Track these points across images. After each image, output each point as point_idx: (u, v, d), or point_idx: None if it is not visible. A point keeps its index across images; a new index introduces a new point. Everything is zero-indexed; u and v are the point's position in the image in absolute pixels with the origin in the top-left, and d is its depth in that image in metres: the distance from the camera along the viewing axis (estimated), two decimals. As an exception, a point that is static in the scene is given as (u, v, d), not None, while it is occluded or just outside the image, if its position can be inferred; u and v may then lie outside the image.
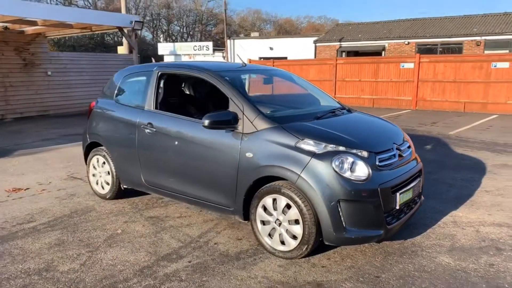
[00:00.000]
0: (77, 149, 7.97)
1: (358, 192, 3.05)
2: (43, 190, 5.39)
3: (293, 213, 3.21)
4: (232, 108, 3.63)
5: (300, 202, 3.15)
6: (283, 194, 3.25)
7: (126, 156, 4.49)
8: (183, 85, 5.17)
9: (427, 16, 27.04)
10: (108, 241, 3.78)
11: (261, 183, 3.44)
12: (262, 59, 30.99)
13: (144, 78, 4.53)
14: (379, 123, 4.04)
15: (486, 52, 21.83)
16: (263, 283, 3.00)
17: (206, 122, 3.50)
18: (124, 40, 18.33)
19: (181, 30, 67.71)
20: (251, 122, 3.49)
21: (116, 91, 4.78)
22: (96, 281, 3.08)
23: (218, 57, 36.01)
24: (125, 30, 10.85)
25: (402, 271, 3.14)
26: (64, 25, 10.99)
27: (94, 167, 4.98)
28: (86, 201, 4.90)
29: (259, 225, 3.47)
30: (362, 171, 3.11)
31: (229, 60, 34.63)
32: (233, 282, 3.02)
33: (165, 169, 4.11)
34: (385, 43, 25.81)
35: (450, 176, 5.85)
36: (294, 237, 3.26)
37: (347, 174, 3.08)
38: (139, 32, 10.98)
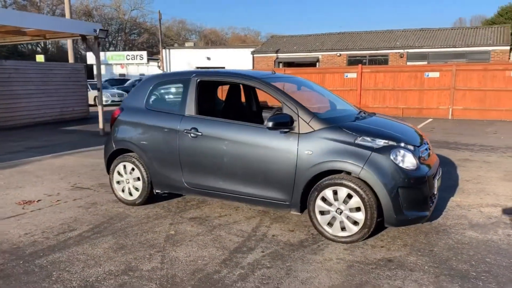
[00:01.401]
0: (60, 161, 7.72)
1: (412, 180, 3.61)
2: (58, 201, 5.25)
3: (355, 201, 3.68)
4: (286, 111, 4.01)
5: (361, 191, 3.63)
6: (344, 186, 3.70)
7: (164, 161, 4.62)
8: (216, 91, 5.46)
9: (350, 30, 29.31)
10: (169, 241, 3.93)
11: (318, 177, 3.86)
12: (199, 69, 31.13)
13: (180, 85, 4.72)
14: (402, 124, 4.67)
15: (408, 63, 24.29)
16: (341, 263, 3.41)
17: (270, 124, 3.85)
18: (69, 49, 17.52)
19: (103, 39, 65.18)
20: (307, 123, 3.91)
21: (146, 98, 4.88)
22: (189, 274, 3.26)
23: (153, 67, 35.44)
24: (88, 38, 10.56)
25: (447, 245, 3.75)
26: (17, 31, 10.39)
27: (119, 174, 5.00)
28: (114, 209, 4.91)
29: (318, 216, 3.88)
30: (411, 162, 3.68)
31: (165, 70, 34.27)
32: (315, 265, 3.39)
33: (212, 170, 4.34)
34: (318, 54, 27.50)
35: (429, 170, 6.72)
36: (355, 223, 3.72)
37: (403, 165, 3.63)
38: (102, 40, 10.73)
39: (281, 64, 28.67)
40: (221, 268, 3.36)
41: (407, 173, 3.61)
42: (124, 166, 4.95)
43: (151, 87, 4.90)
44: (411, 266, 3.34)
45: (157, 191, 4.90)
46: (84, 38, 10.50)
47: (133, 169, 4.89)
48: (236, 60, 31.46)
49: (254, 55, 29.49)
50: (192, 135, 4.41)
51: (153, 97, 4.91)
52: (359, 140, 3.74)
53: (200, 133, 4.37)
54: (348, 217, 3.75)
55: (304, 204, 3.98)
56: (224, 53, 32.90)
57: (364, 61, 25.97)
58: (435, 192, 3.93)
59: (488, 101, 14.26)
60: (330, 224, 3.85)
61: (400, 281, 3.09)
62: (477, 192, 5.44)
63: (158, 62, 35.49)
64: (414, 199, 3.65)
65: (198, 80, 4.60)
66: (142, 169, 4.79)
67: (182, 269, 3.36)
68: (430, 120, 14.45)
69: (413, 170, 3.65)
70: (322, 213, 3.87)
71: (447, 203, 4.99)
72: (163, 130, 4.61)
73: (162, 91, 4.93)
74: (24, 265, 3.45)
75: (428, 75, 15.04)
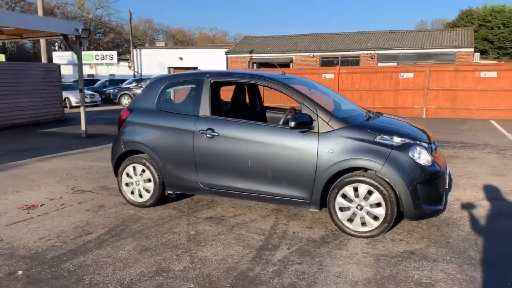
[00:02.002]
0: (50, 164, 7.52)
1: (428, 175, 3.80)
2: (63, 204, 5.12)
3: (375, 197, 3.83)
4: (305, 111, 4.11)
5: (382, 187, 3.79)
6: (365, 182, 3.84)
7: (177, 162, 4.62)
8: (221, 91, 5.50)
9: (322, 32, 29.89)
10: (192, 241, 3.94)
11: (337, 175, 3.99)
12: (172, 69, 30.87)
13: (193, 86, 4.73)
14: (409, 123, 4.86)
15: (379, 64, 25.03)
16: (368, 257, 3.55)
17: (293, 123, 3.94)
18: (42, 48, 16.93)
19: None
20: (327, 123, 4.03)
21: (157, 99, 4.85)
22: (224, 273, 3.30)
23: (123, 67, 34.72)
24: (70, 38, 10.27)
25: (460, 236, 3.96)
26: (-7, 30, 9.97)
27: (128, 176, 4.95)
28: (124, 211, 4.85)
29: (339, 212, 4.00)
30: (427, 158, 3.87)
31: (136, 70, 33.67)
32: (343, 260, 3.51)
33: (230, 170, 4.38)
34: (292, 55, 27.86)
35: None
36: (375, 218, 3.87)
37: (420, 162, 3.81)
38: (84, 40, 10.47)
39: (255, 65, 28.83)
40: (253, 266, 3.42)
41: (424, 169, 3.80)
42: (134, 168, 4.90)
43: (161, 88, 4.88)
44: (433, 257, 3.52)
45: (169, 192, 4.88)
46: (65, 37, 10.21)
47: (143, 171, 4.85)
48: (209, 60, 31.36)
49: (228, 56, 29.50)
50: (208, 135, 4.44)
51: (164, 98, 4.89)
52: (378, 138, 3.90)
53: (216, 134, 4.40)
54: (368, 213, 3.90)
55: (323, 201, 4.10)
56: (197, 53, 32.71)
57: (336, 62, 26.54)
58: (447, 187, 4.14)
59: (460, 100, 14.95)
60: (350, 220, 3.98)
61: (428, 272, 3.26)
62: (471, 186, 5.75)
63: (128, 63, 34.79)
64: (431, 194, 3.85)
65: (212, 81, 4.63)
66: (154, 170, 4.76)
67: (215, 268, 3.39)
68: (406, 119, 14.97)
69: (428, 166, 3.84)
70: (342, 209, 4.00)
71: (447, 197, 5.24)
72: (177, 131, 4.61)
73: (174, 92, 4.92)
74: (51, 270, 3.38)
75: (402, 76, 15.59)
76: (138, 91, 23.49)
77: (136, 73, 33.31)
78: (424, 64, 16.38)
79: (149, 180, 4.84)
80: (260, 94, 5.94)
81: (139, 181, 4.90)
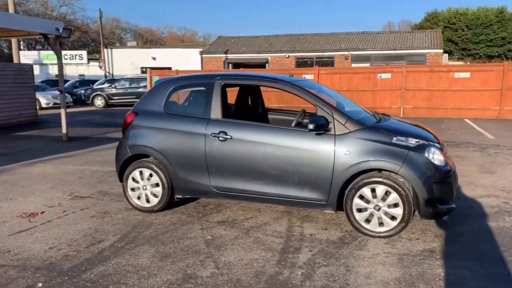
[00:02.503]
0: (38, 169, 7.28)
1: (442, 175, 3.91)
2: (65, 211, 4.93)
3: (393, 198, 3.91)
4: (320, 113, 4.14)
5: (400, 188, 3.87)
6: (383, 183, 3.91)
7: (188, 165, 4.55)
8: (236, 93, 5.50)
9: (296, 33, 30.18)
10: (211, 246, 3.89)
11: (353, 177, 4.04)
12: (145, 69, 30.30)
13: (203, 88, 4.67)
14: (417, 125, 4.96)
15: (353, 65, 25.52)
16: (391, 257, 3.61)
17: (312, 126, 3.96)
18: (14, 48, 16.22)
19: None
20: (343, 125, 4.07)
21: (164, 102, 4.75)
22: (252, 277, 3.28)
23: (94, 67, 33.77)
24: (49, 37, 9.89)
25: (471, 234, 4.10)
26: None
27: (135, 180, 4.82)
28: (131, 217, 4.73)
29: (356, 213, 4.05)
30: (440, 158, 3.98)
31: (107, 70, 32.86)
32: (368, 260, 3.56)
33: (243, 174, 4.35)
34: (268, 56, 27.97)
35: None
36: (393, 218, 3.95)
37: (435, 161, 3.92)
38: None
39: (230, 65, 28.76)
40: (281, 269, 3.41)
41: (439, 168, 3.91)
42: (141, 172, 4.79)
43: (169, 91, 4.78)
44: (453, 255, 3.63)
45: (178, 196, 4.80)
46: (45, 37, 9.82)
47: (151, 175, 4.74)
48: (183, 60, 30.98)
49: (203, 56, 29.29)
50: (220, 138, 4.39)
51: (172, 101, 4.79)
52: (394, 140, 3.97)
53: (229, 137, 4.36)
54: (386, 213, 3.96)
55: (339, 203, 4.14)
56: (171, 53, 32.27)
57: (310, 62, 26.85)
58: (456, 186, 4.27)
59: (435, 100, 15.46)
60: (367, 220, 4.04)
61: (452, 270, 3.36)
62: (467, 184, 5.96)
63: (99, 62, 33.88)
64: (445, 193, 3.96)
65: (223, 83, 4.59)
66: (162, 174, 4.66)
67: (242, 273, 3.36)
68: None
69: (442, 166, 3.95)
70: (359, 210, 4.05)
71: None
72: (187, 134, 4.54)
73: (184, 95, 4.84)
74: (72, 281, 3.25)
75: (380, 76, 15.96)
76: (113, 91, 22.94)
77: (107, 73, 32.49)
78: (400, 65, 16.83)
79: (157, 185, 4.73)
80: (262, 96, 5.93)
81: (146, 186, 4.79)
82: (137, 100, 22.55)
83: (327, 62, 26.77)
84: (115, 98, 23.05)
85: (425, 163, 3.88)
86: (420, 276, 3.25)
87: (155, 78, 19.67)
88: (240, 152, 4.34)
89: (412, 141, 3.99)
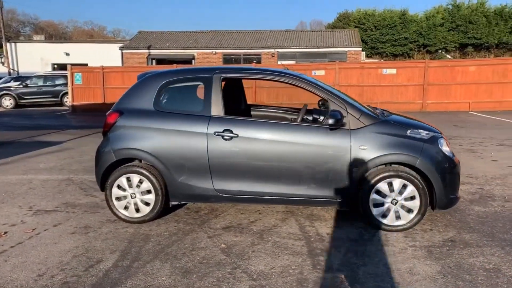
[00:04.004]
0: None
1: (452, 164, 4.00)
2: (34, 230, 4.18)
3: (410, 190, 3.90)
4: (333, 108, 3.99)
5: (416, 180, 3.88)
6: (400, 177, 3.89)
7: (187, 168, 4.11)
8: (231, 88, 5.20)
9: (222, 29, 29.94)
10: (232, 256, 3.54)
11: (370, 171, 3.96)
12: (56, 66, 27.85)
13: (199, 83, 4.25)
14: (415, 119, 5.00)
15: (279, 62, 25.98)
16: (419, 251, 3.58)
17: (331, 121, 3.79)
18: None
19: None
20: (358, 119, 3.96)
21: (154, 99, 4.23)
22: (298, 285, 3.03)
23: (-5, 63, 30.07)
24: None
25: (478, 221, 4.25)
26: None
27: (121, 188, 4.25)
28: (120, 230, 4.15)
29: (373, 209, 3.98)
30: (448, 149, 4.07)
31: (11, 67, 29.50)
32: (400, 256, 3.49)
33: (253, 174, 4.04)
34: (194, 52, 27.31)
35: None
36: (409, 211, 3.95)
37: (446, 152, 3.99)
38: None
39: (154, 61, 27.59)
40: (321, 274, 3.21)
41: (450, 158, 3.99)
42: (128, 179, 4.22)
43: (159, 86, 4.27)
44: (474, 243, 3.72)
45: (173, 203, 4.33)
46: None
47: (140, 181, 4.21)
48: (101, 56, 28.96)
49: (123, 51, 27.67)
50: (225, 137, 4.03)
51: (164, 97, 4.29)
52: (409, 133, 3.97)
53: (235, 135, 4.02)
54: (403, 206, 3.95)
55: (355, 199, 4.04)
56: (86, 49, 30.00)
57: (238, 59, 26.79)
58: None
59: (365, 95, 16.29)
60: (384, 215, 3.99)
61: (482, 257, 3.42)
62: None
63: (1, 58, 30.22)
64: (455, 182, 4.05)
65: (222, 77, 4.22)
66: (155, 180, 4.16)
67: (284, 282, 3.09)
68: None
69: (452, 156, 4.04)
70: (376, 205, 3.98)
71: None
72: (186, 133, 4.10)
73: (177, 90, 4.35)
74: (92, 314, 2.71)
75: (315, 73, 16.38)
76: (24, 90, 20.63)
77: (11, 70, 29.12)
78: (333, 62, 17.45)
79: (149, 192, 4.22)
80: (244, 91, 5.63)
81: (135, 194, 4.24)
82: (55, 99, 20.64)
83: (254, 59, 26.90)
84: (27, 97, 20.76)
85: (438, 154, 3.94)
86: (459, 267, 3.26)
87: (77, 75, 18.07)
88: (248, 151, 4.03)
89: (423, 133, 4.03)
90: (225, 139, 4.03)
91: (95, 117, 15.56)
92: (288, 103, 15.56)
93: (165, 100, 4.31)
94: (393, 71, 16.01)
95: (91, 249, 3.71)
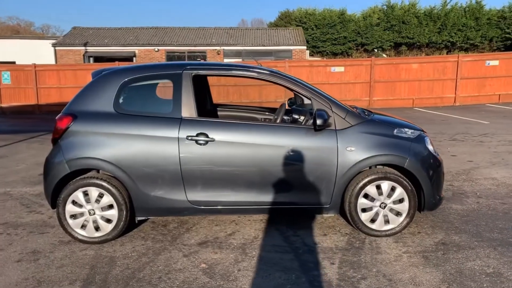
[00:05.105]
0: None
1: (438, 163, 3.85)
2: (-32, 259, 3.45)
3: (399, 193, 3.70)
4: (317, 107, 3.68)
5: (405, 182, 3.68)
6: (389, 179, 3.67)
7: (156, 179, 3.61)
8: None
9: (164, 26, 28.86)
10: (216, 277, 3.11)
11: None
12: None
13: (167, 80, 3.74)
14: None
15: (225, 60, 25.54)
16: (415, 257, 3.38)
17: (320, 121, 3.47)
18: None
19: None
20: (343, 119, 3.69)
21: (114, 99, 3.66)
22: (301, 310, 2.68)
23: None
24: None
25: (462, 221, 4.16)
26: None
27: (76, 204, 3.64)
28: (78, 253, 3.55)
29: (361, 214, 3.73)
30: (432, 147, 3.93)
31: None
32: (398, 265, 3.26)
33: (232, 182, 3.63)
34: (135, 49, 26.02)
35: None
36: (398, 215, 3.75)
37: (432, 151, 3.84)
38: None
39: (91, 59, 25.95)
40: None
41: (435, 157, 3.85)
42: (86, 193, 3.63)
43: (120, 85, 3.70)
44: (465, 244, 3.59)
45: (139, 218, 3.80)
46: None
47: (100, 196, 3.64)
48: (30, 53, 26.63)
49: (57, 48, 25.72)
50: (200, 142, 3.58)
51: (126, 98, 3.74)
52: (396, 132, 3.76)
53: (211, 139, 3.58)
54: (391, 210, 3.74)
55: (342, 204, 3.77)
56: (12, 45, 27.49)
57: (183, 57, 25.94)
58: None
59: (315, 93, 16.35)
60: (372, 220, 3.75)
61: (479, 261, 3.28)
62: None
63: None
64: (440, 182, 3.91)
65: (193, 74, 3.76)
66: (117, 193, 3.61)
67: (283, 306, 2.72)
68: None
69: (437, 155, 3.90)
70: (364, 210, 3.74)
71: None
72: (153, 139, 3.59)
73: (141, 89, 3.81)
74: None
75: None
76: None
77: None
78: (283, 60, 17.36)
79: (110, 207, 3.66)
80: (210, 90, 5.18)
81: (94, 210, 3.66)
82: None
83: (199, 57, 26.21)
84: None
85: (426, 153, 3.77)
86: (461, 273, 3.09)
87: (5, 74, 16.42)
88: (226, 157, 3.61)
89: (408, 132, 3.84)
90: (200, 144, 3.58)
91: (29, 120, 14.21)
92: (245, 101, 15.21)
93: (127, 101, 3.75)
94: (341, 69, 16.21)
95: (44, 280, 3.10)
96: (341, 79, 16.23)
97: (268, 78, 3.84)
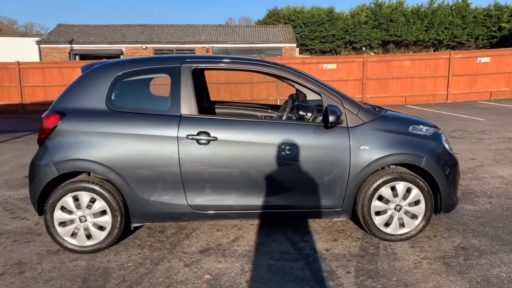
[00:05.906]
0: None
1: (454, 161, 3.62)
2: None
3: (415, 194, 3.45)
4: (328, 102, 3.41)
5: (421, 183, 3.44)
6: (405, 179, 3.42)
7: (153, 181, 3.31)
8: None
9: (151, 23, 28.34)
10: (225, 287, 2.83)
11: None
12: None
13: (165, 75, 3.44)
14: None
15: (214, 58, 25.14)
16: (435, 264, 3.14)
17: (332, 118, 3.20)
18: None
19: None
20: (356, 115, 3.44)
21: (107, 96, 3.34)
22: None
23: None
24: None
25: (478, 223, 3.94)
26: None
27: (65, 211, 3.32)
28: (69, 264, 3.23)
29: (375, 217, 3.48)
30: (448, 145, 3.69)
31: None
32: (418, 272, 3.02)
33: (237, 185, 3.35)
34: (122, 47, 25.53)
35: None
36: (413, 217, 3.50)
37: (449, 149, 3.60)
38: None
39: (77, 57, 25.36)
40: (341, 306, 2.62)
41: (452, 155, 3.62)
42: (76, 198, 3.31)
43: (113, 79, 3.38)
44: (486, 249, 3.36)
45: (135, 225, 3.50)
46: None
47: (92, 201, 3.32)
48: (14, 51, 25.92)
49: (41, 46, 25.07)
50: (201, 141, 3.28)
51: (119, 93, 3.42)
52: (411, 129, 3.52)
53: (213, 138, 3.29)
54: (406, 212, 3.50)
55: (354, 207, 3.52)
56: (-5, 43, 26.70)
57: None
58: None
59: (307, 90, 16.13)
60: (386, 224, 3.51)
61: (505, 267, 3.06)
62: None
63: None
64: (457, 182, 3.68)
65: (193, 68, 3.46)
66: (111, 197, 3.30)
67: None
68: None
69: (453, 153, 3.67)
70: (377, 213, 3.49)
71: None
72: (149, 138, 3.29)
73: (136, 84, 3.49)
74: None
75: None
76: None
77: None
78: (275, 57, 17.08)
79: (103, 213, 3.34)
80: (207, 86, 4.88)
81: (85, 216, 3.34)
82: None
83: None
84: None
85: (442, 151, 3.54)
86: (488, 282, 2.86)
87: (-12, 72, 15.83)
88: (230, 157, 3.32)
89: (424, 129, 3.60)
90: (201, 144, 3.29)
91: (12, 119, 13.71)
92: (237, 100, 14.86)
93: (120, 97, 3.43)
94: (334, 66, 16.02)
95: (31, 296, 2.78)
96: (334, 76, 16.03)
97: (273, 72, 3.57)
